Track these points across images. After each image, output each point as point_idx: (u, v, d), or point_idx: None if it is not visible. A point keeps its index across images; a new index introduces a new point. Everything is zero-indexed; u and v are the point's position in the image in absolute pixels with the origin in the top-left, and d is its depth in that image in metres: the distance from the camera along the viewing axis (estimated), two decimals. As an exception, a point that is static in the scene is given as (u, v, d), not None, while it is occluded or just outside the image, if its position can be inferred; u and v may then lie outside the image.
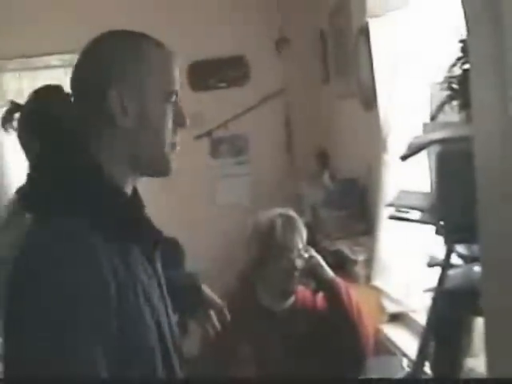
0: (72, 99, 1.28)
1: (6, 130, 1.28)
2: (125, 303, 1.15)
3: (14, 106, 1.31)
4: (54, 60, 4.07)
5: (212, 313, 1.71)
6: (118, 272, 1.16)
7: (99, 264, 1.12)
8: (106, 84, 1.22)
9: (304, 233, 2.37)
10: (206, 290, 1.73)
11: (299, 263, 2.32)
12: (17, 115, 1.30)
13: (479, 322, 1.95)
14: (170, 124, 1.26)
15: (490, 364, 1.51)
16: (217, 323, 1.69)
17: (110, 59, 1.24)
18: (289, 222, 2.36)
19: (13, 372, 1.11)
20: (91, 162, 1.22)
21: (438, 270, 1.94)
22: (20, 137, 1.37)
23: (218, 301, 1.72)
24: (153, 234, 1.31)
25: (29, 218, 1.23)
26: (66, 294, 1.08)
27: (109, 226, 1.18)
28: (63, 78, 4.14)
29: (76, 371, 1.07)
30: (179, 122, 1.28)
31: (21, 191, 1.26)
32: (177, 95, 1.28)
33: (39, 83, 4.44)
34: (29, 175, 1.24)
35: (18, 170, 4.01)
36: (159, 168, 1.28)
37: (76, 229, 1.14)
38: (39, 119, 1.28)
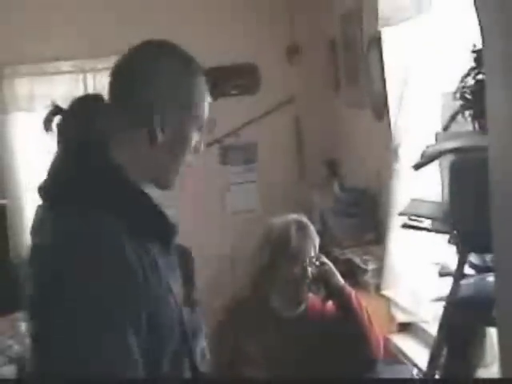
0: (111, 107, 1.29)
1: (46, 130, 1.32)
2: (151, 291, 1.19)
3: (56, 109, 1.33)
4: (65, 66, 4.09)
5: None
6: (143, 261, 1.19)
7: (126, 256, 1.16)
8: (160, 106, 1.25)
9: (317, 240, 2.36)
10: None
11: (311, 271, 2.32)
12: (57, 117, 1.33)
13: (491, 333, 1.95)
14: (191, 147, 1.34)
15: (505, 375, 1.51)
16: None
17: (167, 83, 1.28)
18: (303, 228, 2.35)
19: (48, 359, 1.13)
20: (113, 163, 1.24)
21: (448, 280, 1.94)
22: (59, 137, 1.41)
23: None
24: (169, 227, 1.34)
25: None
26: (101, 286, 1.12)
27: (131, 221, 1.21)
28: (74, 84, 4.16)
29: (113, 359, 1.10)
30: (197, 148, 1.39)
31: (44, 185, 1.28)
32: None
33: (51, 88, 4.42)
34: (56, 170, 1.26)
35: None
36: (165, 182, 1.33)
37: (101, 223, 1.17)
38: (75, 122, 1.31)
